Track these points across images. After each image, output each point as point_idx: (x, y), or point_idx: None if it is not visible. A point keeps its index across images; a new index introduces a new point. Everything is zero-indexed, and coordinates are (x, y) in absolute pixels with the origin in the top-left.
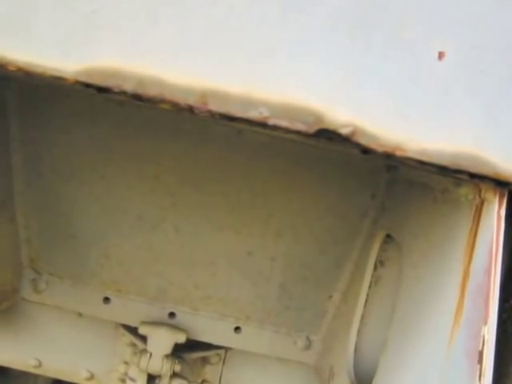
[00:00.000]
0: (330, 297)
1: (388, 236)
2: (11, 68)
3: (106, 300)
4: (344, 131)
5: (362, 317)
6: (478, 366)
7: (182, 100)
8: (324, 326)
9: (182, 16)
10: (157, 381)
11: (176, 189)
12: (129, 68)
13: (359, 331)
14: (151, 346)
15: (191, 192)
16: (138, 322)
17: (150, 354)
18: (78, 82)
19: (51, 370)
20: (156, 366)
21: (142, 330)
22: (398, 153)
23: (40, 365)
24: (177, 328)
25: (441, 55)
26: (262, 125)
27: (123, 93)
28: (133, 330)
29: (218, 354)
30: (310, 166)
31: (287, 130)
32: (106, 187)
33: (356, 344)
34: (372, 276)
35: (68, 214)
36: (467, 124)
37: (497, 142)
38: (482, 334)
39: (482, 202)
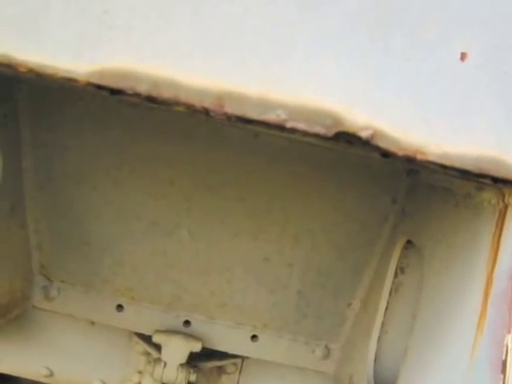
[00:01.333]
0: (350, 304)
1: (408, 242)
2: (22, 69)
3: (119, 308)
4: (363, 134)
5: (382, 325)
6: (502, 376)
7: (198, 102)
8: (343, 335)
9: (197, 16)
10: None
11: (191, 193)
12: (142, 69)
13: (379, 339)
14: (166, 355)
15: (206, 196)
16: (152, 330)
17: (165, 364)
18: (90, 84)
19: (63, 379)
20: (171, 376)
21: (156, 339)
22: (419, 156)
23: (51, 374)
24: (192, 336)
25: (463, 56)
26: (280, 128)
27: (137, 95)
28: (147, 339)
29: (234, 363)
30: (328, 170)
31: (305, 133)
32: (118, 192)
33: (376, 352)
34: (392, 283)
35: (80, 219)
36: (490, 127)
37: None
38: (505, 342)
39: (506, 207)
